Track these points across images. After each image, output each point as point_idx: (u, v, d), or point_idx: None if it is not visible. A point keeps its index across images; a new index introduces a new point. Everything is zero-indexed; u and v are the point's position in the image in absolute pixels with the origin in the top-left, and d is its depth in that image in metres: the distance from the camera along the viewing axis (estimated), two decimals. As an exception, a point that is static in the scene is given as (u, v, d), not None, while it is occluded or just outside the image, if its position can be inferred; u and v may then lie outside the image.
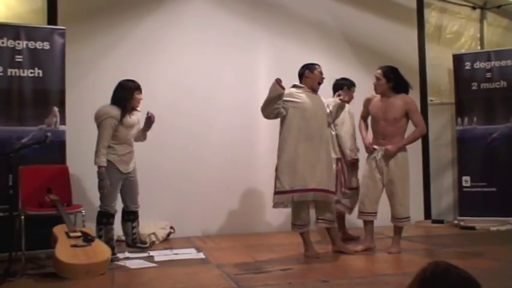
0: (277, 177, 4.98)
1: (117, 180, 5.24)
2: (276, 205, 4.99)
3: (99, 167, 5.09)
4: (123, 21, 6.48)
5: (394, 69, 5.29)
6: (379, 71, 5.28)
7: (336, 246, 5.25)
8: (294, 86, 5.12)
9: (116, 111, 5.14)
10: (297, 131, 4.94)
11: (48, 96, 5.68)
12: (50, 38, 5.69)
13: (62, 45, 5.74)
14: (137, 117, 5.38)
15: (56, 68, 5.70)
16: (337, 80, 5.98)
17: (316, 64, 5.20)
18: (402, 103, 5.20)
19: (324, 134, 5.07)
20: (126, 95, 5.21)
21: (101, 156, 5.09)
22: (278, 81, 4.79)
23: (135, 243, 5.57)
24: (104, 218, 5.16)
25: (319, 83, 5.14)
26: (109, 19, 6.44)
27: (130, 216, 5.49)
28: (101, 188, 5.08)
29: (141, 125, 5.45)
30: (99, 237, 5.06)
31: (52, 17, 6.09)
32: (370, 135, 5.44)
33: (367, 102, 5.43)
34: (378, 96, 5.33)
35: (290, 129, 4.96)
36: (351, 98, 5.80)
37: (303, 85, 5.11)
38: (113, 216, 5.24)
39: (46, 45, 5.67)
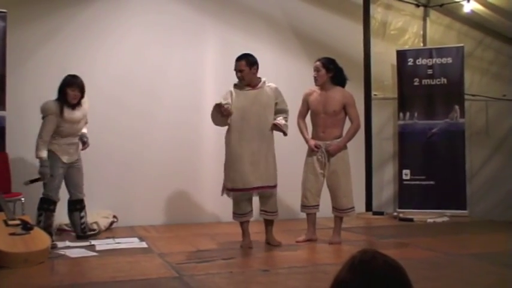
0: (224, 175, 5.13)
1: (60, 169, 5.24)
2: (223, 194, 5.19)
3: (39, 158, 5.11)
4: (67, 6, 6.32)
5: (333, 60, 5.38)
6: (318, 63, 5.35)
7: (267, 238, 5.28)
8: (235, 85, 5.15)
9: (57, 108, 5.15)
10: (237, 132, 5.02)
11: (-13, 81, 5.53)
12: (-10, 21, 5.53)
13: (3, 28, 5.59)
14: (82, 112, 5.37)
15: (-4, 51, 5.55)
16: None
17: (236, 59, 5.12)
18: (341, 97, 5.30)
19: (265, 130, 5.06)
20: (61, 90, 5.24)
21: (41, 149, 5.14)
22: (215, 108, 4.93)
23: (84, 232, 5.54)
24: (45, 204, 5.20)
25: (238, 78, 5.10)
26: (53, 3, 6.27)
27: (76, 205, 5.49)
28: (41, 175, 5.04)
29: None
30: (38, 222, 5.06)
31: (-7, 0, 5.91)
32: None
33: (307, 96, 5.46)
34: (316, 91, 5.41)
35: (231, 131, 5.06)
36: None
37: (240, 84, 5.14)
38: (54, 203, 5.25)
39: (-14, 28, 5.51)
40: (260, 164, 5.02)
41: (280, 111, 5.13)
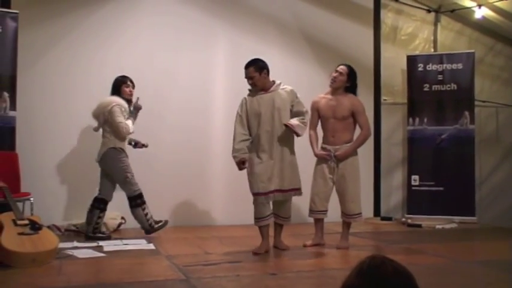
0: (248, 181, 5.06)
1: None
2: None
3: None
4: (78, 7, 6.36)
5: (355, 72, 5.39)
6: (344, 67, 5.34)
7: (275, 242, 5.24)
8: (249, 91, 5.10)
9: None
10: (255, 138, 4.99)
11: (-2, 81, 5.57)
12: (2, 22, 5.57)
13: (15, 29, 5.62)
14: None
15: (7, 52, 5.59)
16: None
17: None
18: (349, 104, 5.29)
19: (283, 133, 4.97)
20: (117, 88, 5.64)
21: None
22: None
23: (95, 233, 5.58)
24: (139, 199, 5.63)
25: (250, 85, 5.04)
26: (64, 4, 6.31)
27: (100, 204, 5.60)
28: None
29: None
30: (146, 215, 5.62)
31: (5, 1, 5.94)
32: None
33: (315, 104, 5.43)
34: (325, 96, 5.40)
35: (251, 137, 5.02)
36: None
37: (253, 89, 5.08)
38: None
39: (-2, 29, 5.55)
40: (281, 168, 4.98)
41: (297, 113, 5.03)
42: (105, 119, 5.51)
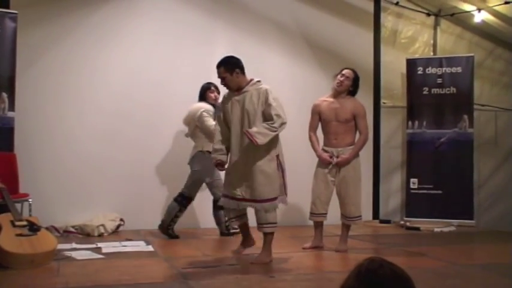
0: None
1: None
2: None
3: None
4: (78, 7, 6.35)
5: (358, 76, 5.40)
6: (350, 72, 5.34)
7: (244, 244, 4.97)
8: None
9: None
10: (231, 143, 4.65)
11: (-3, 82, 5.56)
12: (1, 22, 5.57)
13: (14, 29, 5.61)
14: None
15: (6, 52, 5.58)
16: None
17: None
18: (352, 107, 5.30)
19: (244, 138, 4.53)
20: (202, 95, 6.05)
21: None
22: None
23: (228, 230, 6.01)
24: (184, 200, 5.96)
25: (223, 86, 4.75)
26: (63, 4, 6.29)
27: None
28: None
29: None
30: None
31: (4, 1, 5.93)
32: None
33: (316, 108, 5.42)
34: (327, 99, 5.40)
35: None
36: None
37: (229, 90, 4.74)
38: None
39: (-3, 29, 5.54)
40: (246, 176, 4.57)
41: (268, 117, 4.51)
42: (195, 125, 5.85)
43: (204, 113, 5.80)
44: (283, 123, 4.51)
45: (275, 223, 4.68)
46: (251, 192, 4.56)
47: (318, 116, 5.42)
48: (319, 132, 5.50)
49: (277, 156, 4.65)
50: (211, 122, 5.68)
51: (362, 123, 5.34)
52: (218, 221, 6.10)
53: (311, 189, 5.42)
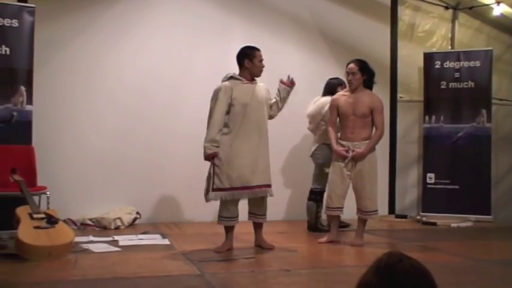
0: (215, 174, 4.77)
1: None
2: (209, 201, 4.89)
3: None
4: (96, 2, 6.38)
5: (366, 63, 5.33)
6: (352, 65, 5.28)
7: (258, 241, 5.09)
8: (232, 77, 4.92)
9: None
10: (237, 127, 4.77)
11: (15, 75, 5.60)
12: (19, 16, 5.59)
13: (31, 23, 5.64)
14: None
15: (24, 46, 5.61)
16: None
17: (256, 48, 4.95)
18: (369, 101, 5.26)
19: (263, 126, 4.91)
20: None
21: None
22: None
23: (316, 224, 6.08)
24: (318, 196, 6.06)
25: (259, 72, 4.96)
26: (81, -1, 6.35)
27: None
28: None
29: None
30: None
31: (22, -5, 5.97)
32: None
33: (335, 102, 5.40)
34: (344, 94, 5.39)
35: (230, 126, 4.80)
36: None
37: (240, 78, 4.90)
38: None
39: (15, 23, 5.57)
40: (262, 162, 4.86)
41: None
42: (321, 118, 5.94)
43: None
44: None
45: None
46: (264, 177, 4.87)
47: (336, 111, 5.39)
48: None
49: None
50: None
51: (379, 117, 5.31)
52: (310, 213, 6.18)
53: (327, 183, 5.41)
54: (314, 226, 6.06)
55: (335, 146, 5.36)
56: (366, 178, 5.26)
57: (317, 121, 6.03)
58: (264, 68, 4.94)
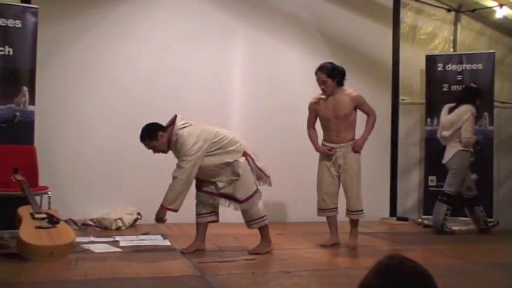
0: None
1: None
2: None
3: None
4: (99, 4, 6.40)
5: (331, 64, 5.27)
6: (320, 74, 5.19)
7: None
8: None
9: None
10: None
11: (18, 75, 5.60)
12: (22, 16, 5.60)
13: (34, 24, 5.65)
14: None
15: (27, 47, 5.62)
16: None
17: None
18: (350, 99, 5.22)
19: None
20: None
21: None
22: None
23: (486, 224, 6.53)
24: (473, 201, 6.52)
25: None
26: (84, 1, 6.35)
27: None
28: None
29: None
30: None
31: (25, -4, 5.99)
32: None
33: (313, 105, 5.38)
34: (322, 97, 5.32)
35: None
36: None
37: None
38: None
39: (18, 24, 5.58)
40: None
41: None
42: (460, 125, 6.26)
43: (472, 117, 6.27)
44: None
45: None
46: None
47: (314, 113, 5.40)
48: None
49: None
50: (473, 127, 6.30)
51: (366, 107, 5.31)
52: (475, 218, 6.53)
53: (316, 186, 5.40)
54: (440, 228, 6.30)
55: (317, 146, 5.38)
56: (353, 177, 5.27)
57: (456, 128, 6.31)
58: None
